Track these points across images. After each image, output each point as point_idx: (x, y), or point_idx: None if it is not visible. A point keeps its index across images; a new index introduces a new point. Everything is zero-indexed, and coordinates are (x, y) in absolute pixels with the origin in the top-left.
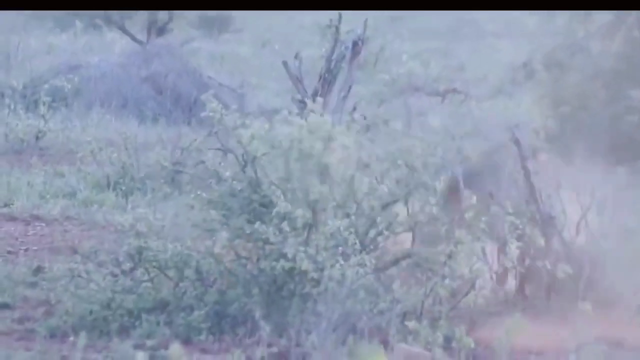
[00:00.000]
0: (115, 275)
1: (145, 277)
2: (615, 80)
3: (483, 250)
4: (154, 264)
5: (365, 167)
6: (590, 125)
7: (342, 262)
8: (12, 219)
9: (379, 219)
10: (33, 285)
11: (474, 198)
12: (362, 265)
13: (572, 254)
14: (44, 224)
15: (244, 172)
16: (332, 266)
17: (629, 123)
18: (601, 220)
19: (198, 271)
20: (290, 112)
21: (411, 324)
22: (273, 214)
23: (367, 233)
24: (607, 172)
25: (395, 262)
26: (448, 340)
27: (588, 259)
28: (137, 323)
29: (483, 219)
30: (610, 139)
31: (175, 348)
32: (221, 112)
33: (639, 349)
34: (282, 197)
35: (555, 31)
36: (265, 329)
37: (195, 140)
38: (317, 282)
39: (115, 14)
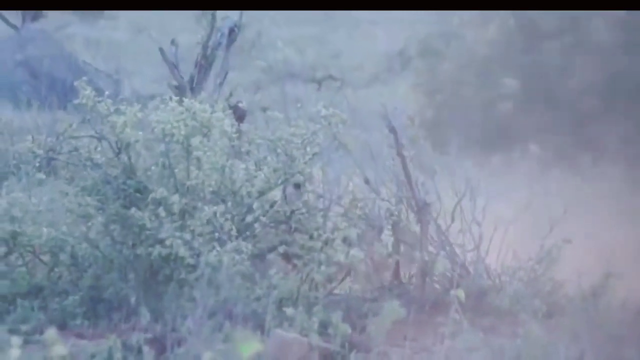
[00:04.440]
0: None
1: (20, 262)
2: (488, 68)
3: (359, 236)
4: (29, 248)
5: (242, 154)
6: (464, 112)
7: (218, 248)
8: None
9: (255, 206)
10: None
11: (351, 184)
12: (238, 251)
13: (447, 241)
14: None
15: (118, 158)
16: (208, 252)
17: (502, 111)
18: (475, 207)
19: (73, 256)
20: (164, 99)
21: (287, 310)
22: (149, 199)
23: (243, 219)
24: (481, 159)
25: (272, 248)
26: (324, 326)
27: (462, 247)
28: (11, 308)
29: (359, 205)
30: (484, 126)
31: (51, 333)
32: (94, 100)
33: (512, 336)
34: (157, 183)
35: (430, 20)
36: (142, 314)
37: (71, 125)
38: (194, 268)
39: None
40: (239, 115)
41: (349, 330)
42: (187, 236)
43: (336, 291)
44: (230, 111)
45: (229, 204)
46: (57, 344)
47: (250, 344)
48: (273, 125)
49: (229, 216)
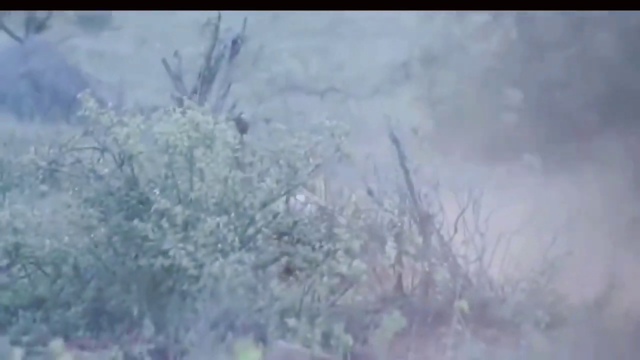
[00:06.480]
0: None
1: (22, 274)
2: (491, 79)
3: (362, 247)
4: (31, 260)
5: (245, 165)
6: (467, 123)
7: (221, 259)
8: None
9: (258, 217)
10: None
11: (354, 196)
12: (241, 262)
13: (450, 252)
14: None
15: (121, 170)
16: (211, 263)
17: (504, 122)
18: (478, 218)
19: (75, 268)
20: (167, 110)
21: (290, 321)
22: (151, 211)
23: (246, 231)
24: (485, 170)
25: (275, 259)
26: (326, 337)
27: (465, 258)
28: (13, 319)
29: (362, 216)
30: (487, 137)
31: (57, 344)
32: (97, 111)
33: (515, 347)
34: (160, 194)
35: (433, 31)
36: (144, 326)
37: (74, 137)
38: (196, 279)
39: None
40: (242, 127)
41: (351, 342)
42: (190, 247)
43: (339, 303)
44: (233, 123)
45: (232, 215)
46: (62, 356)
47: (249, 354)
48: (276, 136)
49: (231, 227)
